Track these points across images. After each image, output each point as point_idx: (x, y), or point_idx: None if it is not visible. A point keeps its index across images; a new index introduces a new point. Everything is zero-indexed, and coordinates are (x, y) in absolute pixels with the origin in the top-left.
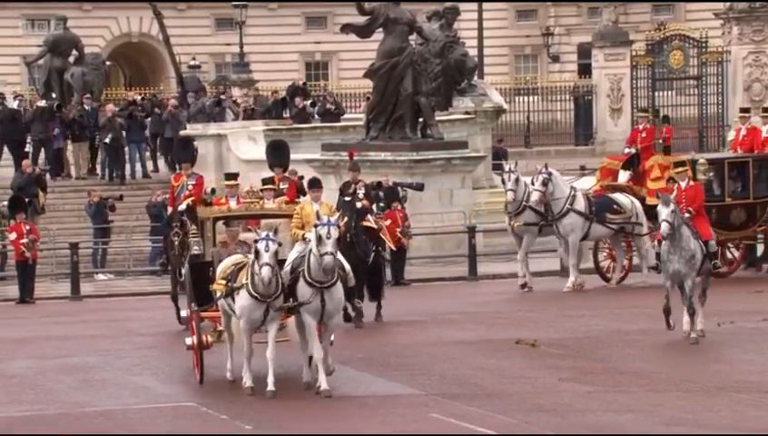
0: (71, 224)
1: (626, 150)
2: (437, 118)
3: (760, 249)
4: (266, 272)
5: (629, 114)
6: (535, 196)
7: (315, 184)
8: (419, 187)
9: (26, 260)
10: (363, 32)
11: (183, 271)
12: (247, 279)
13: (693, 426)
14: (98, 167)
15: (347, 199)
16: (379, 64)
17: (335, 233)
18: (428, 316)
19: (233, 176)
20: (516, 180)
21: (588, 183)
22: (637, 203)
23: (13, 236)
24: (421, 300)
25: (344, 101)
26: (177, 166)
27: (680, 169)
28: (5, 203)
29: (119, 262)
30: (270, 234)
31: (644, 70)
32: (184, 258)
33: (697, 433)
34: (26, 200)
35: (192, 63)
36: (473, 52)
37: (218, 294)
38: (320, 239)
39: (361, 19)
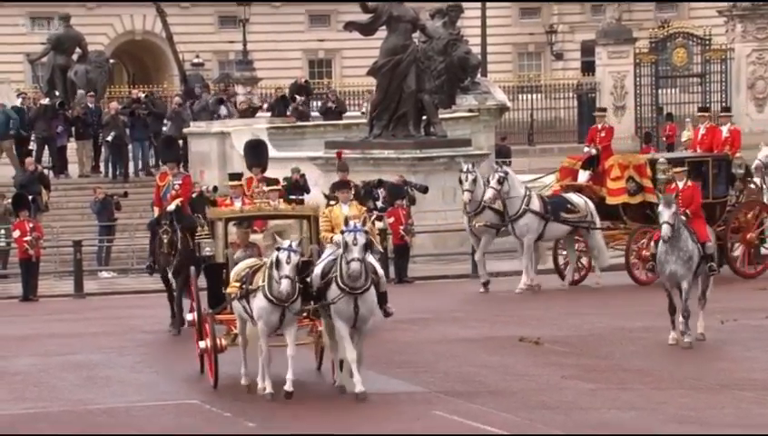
0: (74, 222)
1: (586, 149)
2: (440, 116)
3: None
4: (285, 285)
5: (633, 112)
6: (489, 194)
7: (342, 186)
8: (423, 190)
9: (30, 257)
10: (366, 29)
11: (171, 273)
12: (264, 281)
13: (696, 424)
14: (101, 165)
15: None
16: (383, 62)
17: (362, 239)
18: (431, 314)
19: (237, 176)
20: (474, 180)
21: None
22: (590, 202)
23: (16, 234)
24: (424, 297)
25: (347, 99)
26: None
27: (678, 169)
28: (9, 200)
29: (122, 259)
30: (294, 245)
31: (648, 68)
32: (173, 257)
33: (703, 434)
34: (30, 197)
35: (196, 60)
36: (476, 49)
37: (231, 297)
38: (346, 246)
39: (365, 17)
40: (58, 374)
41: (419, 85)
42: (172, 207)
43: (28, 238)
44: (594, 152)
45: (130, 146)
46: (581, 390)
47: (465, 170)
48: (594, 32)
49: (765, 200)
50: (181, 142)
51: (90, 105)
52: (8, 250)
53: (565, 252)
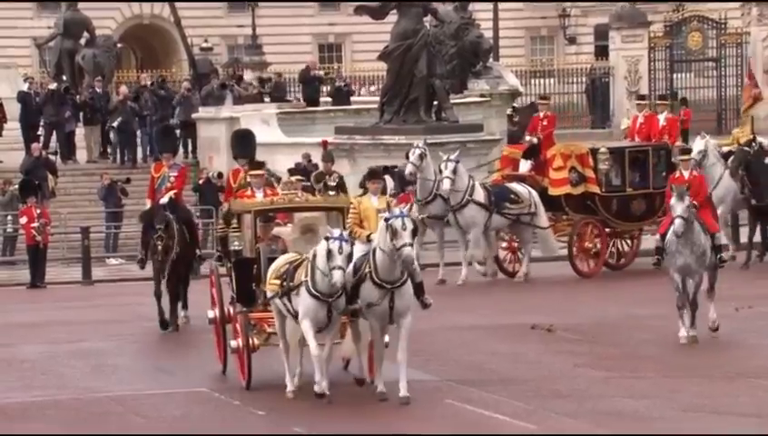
0: (82, 208)
1: (527, 138)
2: (451, 101)
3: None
4: (338, 276)
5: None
6: (446, 184)
7: (374, 175)
8: None
9: (37, 244)
10: (377, 14)
11: (164, 280)
12: (306, 276)
13: (711, 412)
14: (109, 150)
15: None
16: (394, 47)
17: (410, 224)
18: (442, 301)
19: (260, 165)
20: (421, 156)
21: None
22: (534, 193)
23: (23, 220)
24: (435, 285)
25: (357, 83)
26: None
27: (684, 157)
28: (16, 186)
29: (131, 246)
30: (345, 234)
31: (662, 52)
32: (168, 256)
33: (713, 434)
34: (36, 183)
35: (205, 45)
36: (488, 34)
37: (270, 295)
38: (395, 232)
39: (375, 1)
40: (66, 362)
41: (431, 70)
42: (165, 200)
43: (35, 224)
44: (535, 141)
45: (138, 132)
46: (593, 378)
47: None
48: (607, 15)
49: None
50: (178, 131)
51: (98, 90)
52: (15, 236)
53: (505, 244)
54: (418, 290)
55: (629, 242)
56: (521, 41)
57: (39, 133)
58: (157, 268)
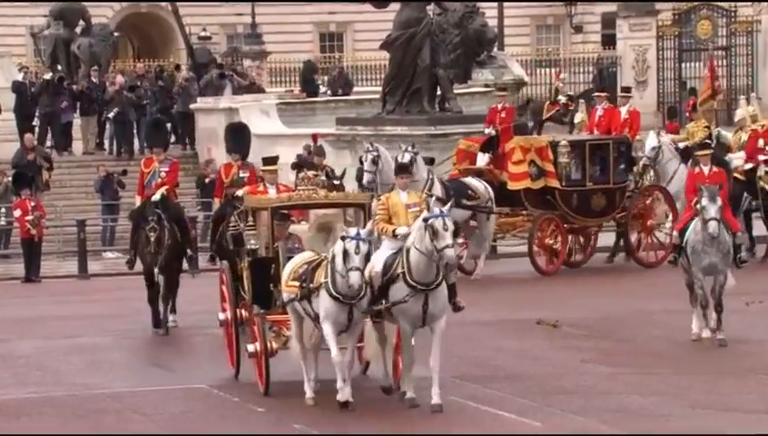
0: (78, 201)
1: (486, 130)
2: (455, 91)
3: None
4: (356, 277)
5: (655, 87)
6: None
7: (403, 170)
8: (429, 161)
9: (32, 237)
10: (379, 2)
11: (156, 276)
12: (326, 278)
13: (721, 410)
14: (106, 142)
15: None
16: (396, 35)
17: (451, 224)
18: None
19: (273, 160)
20: (374, 160)
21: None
22: (490, 188)
23: (17, 213)
24: None
25: (359, 73)
26: (148, 149)
27: (704, 152)
28: (9, 178)
29: (128, 239)
30: (363, 233)
31: (671, 41)
32: (160, 256)
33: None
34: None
35: (203, 34)
36: (493, 22)
37: (288, 297)
38: (435, 232)
39: None
40: (62, 358)
41: (434, 60)
42: (157, 196)
43: (30, 217)
44: (493, 133)
45: (135, 122)
46: (601, 374)
47: (366, 148)
48: (615, 4)
49: None
50: (169, 124)
51: (94, 80)
52: (9, 229)
53: (461, 241)
54: (451, 292)
55: (586, 239)
56: (526, 29)
57: (34, 123)
58: (149, 262)
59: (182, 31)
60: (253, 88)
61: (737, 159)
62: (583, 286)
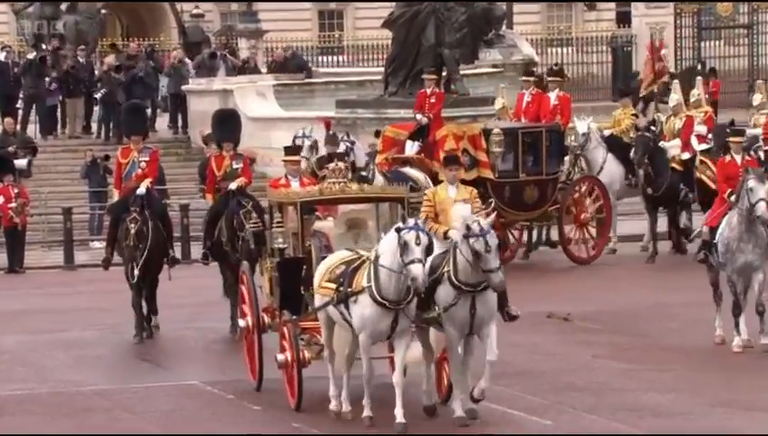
0: (64, 187)
1: (418, 117)
2: (461, 72)
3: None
4: (418, 270)
5: (672, 68)
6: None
7: (452, 161)
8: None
9: (15, 225)
10: None
11: (137, 270)
12: (370, 281)
13: (740, 408)
14: (93, 125)
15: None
16: (399, 13)
17: (494, 242)
18: None
19: (295, 151)
20: (313, 147)
21: None
22: (429, 179)
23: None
24: None
25: (360, 53)
26: (126, 138)
27: (735, 139)
28: None
29: None
30: (420, 223)
31: (689, 18)
32: (140, 251)
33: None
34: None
35: (195, 11)
36: None
37: (322, 301)
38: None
39: None
40: (47, 353)
41: (439, 39)
42: (142, 190)
43: (13, 204)
44: (425, 120)
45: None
46: (614, 370)
47: (300, 134)
48: None
49: None
50: (147, 113)
51: (80, 60)
52: None
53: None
54: (502, 298)
55: (516, 233)
56: (537, 7)
57: (18, 105)
58: (128, 257)
59: (173, 8)
60: (249, 69)
61: (673, 148)
62: (594, 278)
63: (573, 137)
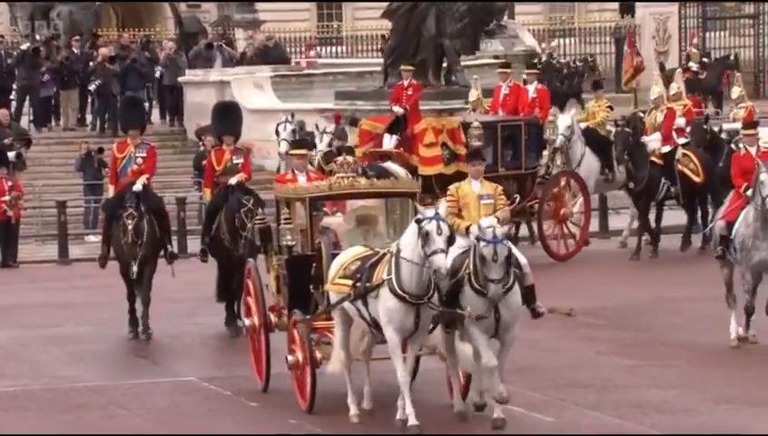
0: (58, 180)
1: (395, 109)
2: (462, 63)
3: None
4: (441, 260)
5: (677, 58)
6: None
7: (475, 156)
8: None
9: (9, 219)
10: None
11: (135, 267)
12: (390, 274)
13: (745, 404)
14: (88, 117)
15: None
16: (399, 3)
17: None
18: None
19: (301, 144)
20: (295, 131)
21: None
22: (409, 174)
23: None
24: None
25: (359, 44)
26: (122, 131)
27: (750, 131)
28: None
29: None
30: (440, 212)
31: (694, 8)
32: (139, 248)
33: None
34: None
35: (192, 1)
36: None
37: (337, 297)
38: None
39: None
40: (41, 348)
41: (440, 29)
42: (138, 186)
43: (6, 197)
44: (401, 112)
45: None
46: (617, 366)
47: (283, 120)
48: None
49: None
50: (145, 106)
51: (75, 51)
52: None
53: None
54: (529, 295)
55: None
56: None
57: (12, 97)
58: (127, 254)
59: None
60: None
61: (653, 141)
62: (598, 273)
63: (551, 131)
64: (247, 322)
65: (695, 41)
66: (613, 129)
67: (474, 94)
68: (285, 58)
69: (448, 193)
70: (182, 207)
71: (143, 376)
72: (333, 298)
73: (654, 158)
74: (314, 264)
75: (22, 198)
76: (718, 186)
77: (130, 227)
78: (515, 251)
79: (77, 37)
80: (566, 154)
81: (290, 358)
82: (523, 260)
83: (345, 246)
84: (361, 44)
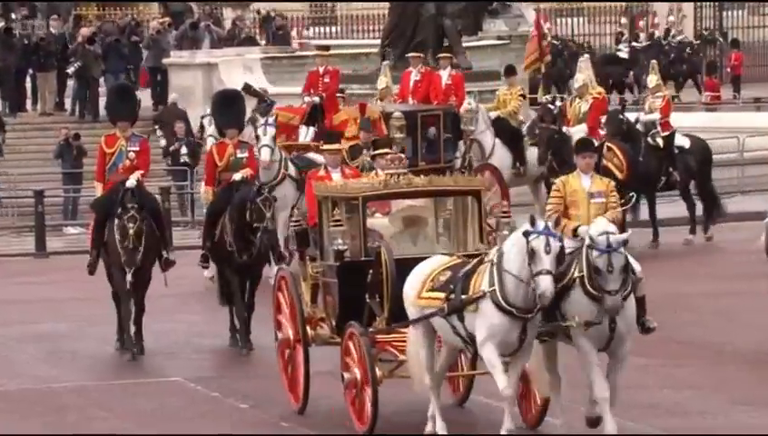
0: (35, 169)
1: (307, 99)
2: (464, 44)
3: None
4: (547, 282)
5: (693, 38)
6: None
7: (586, 147)
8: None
9: None
10: None
11: (130, 276)
12: (492, 285)
13: (764, 405)
14: (67, 102)
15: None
16: None
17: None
18: None
19: (336, 137)
20: (275, 136)
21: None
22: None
23: None
24: None
25: (355, 24)
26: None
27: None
28: None
29: (91, 213)
30: (551, 226)
31: None
32: (139, 254)
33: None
34: None
35: None
36: None
37: (421, 312)
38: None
39: None
40: (17, 347)
41: (440, 8)
42: (132, 182)
43: None
44: (317, 100)
45: (101, 79)
46: (628, 365)
47: (263, 122)
48: None
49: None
50: (137, 96)
51: (53, 31)
52: None
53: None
54: (640, 308)
55: None
56: None
57: None
58: (125, 260)
59: None
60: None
61: (578, 133)
62: None
63: (467, 120)
64: (280, 335)
65: (641, 23)
66: (526, 121)
67: (383, 82)
68: (254, 43)
69: (554, 187)
70: (167, 197)
71: (126, 376)
72: (414, 313)
73: None
74: (370, 271)
75: None
76: (638, 184)
77: (131, 231)
78: (629, 258)
79: (54, 16)
80: (479, 145)
81: (345, 375)
82: (637, 266)
83: (394, 251)
84: (356, 24)
